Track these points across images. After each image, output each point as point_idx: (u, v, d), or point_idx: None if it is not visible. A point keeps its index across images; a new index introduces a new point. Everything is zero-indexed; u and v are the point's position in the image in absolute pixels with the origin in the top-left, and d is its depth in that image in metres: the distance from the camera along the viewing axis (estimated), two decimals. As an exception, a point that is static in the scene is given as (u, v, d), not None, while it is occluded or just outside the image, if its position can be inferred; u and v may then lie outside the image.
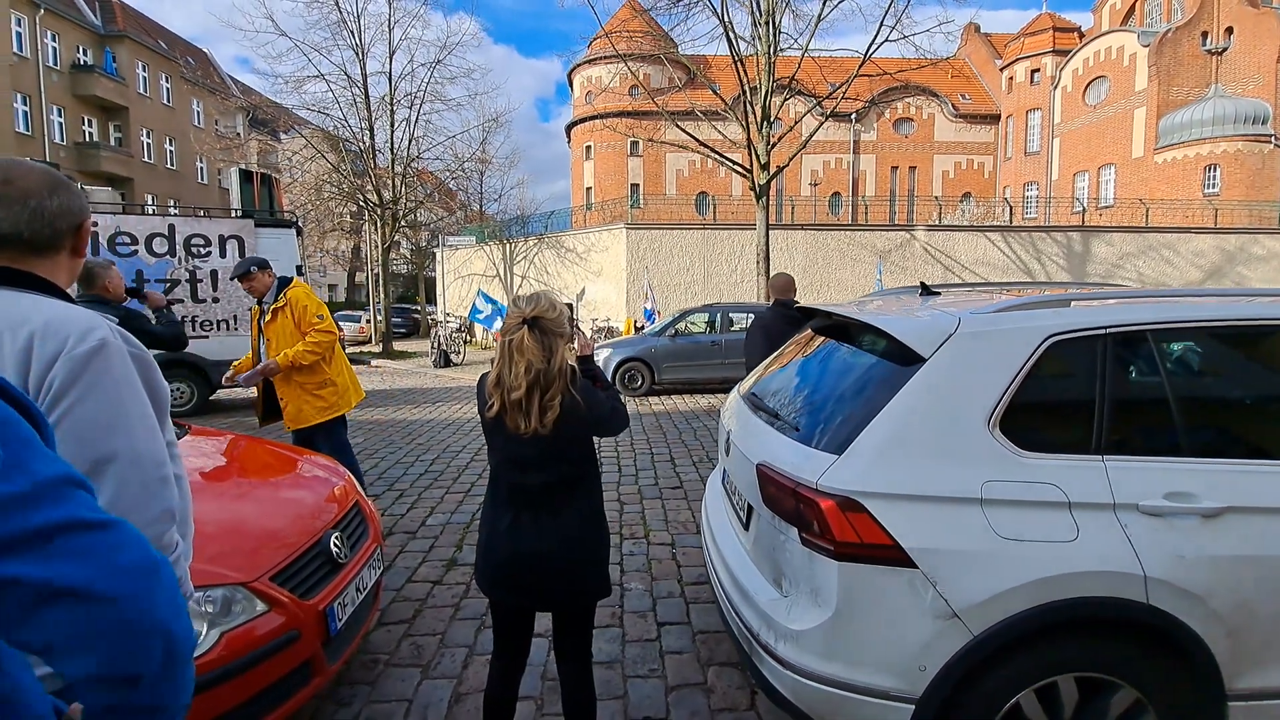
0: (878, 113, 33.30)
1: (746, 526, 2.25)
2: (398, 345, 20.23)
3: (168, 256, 8.58)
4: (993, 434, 1.76)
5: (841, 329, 2.39)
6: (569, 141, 37.11)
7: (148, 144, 28.55)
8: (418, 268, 29.70)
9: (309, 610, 2.10)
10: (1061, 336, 1.83)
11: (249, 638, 1.92)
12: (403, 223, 20.63)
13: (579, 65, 33.16)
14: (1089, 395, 1.82)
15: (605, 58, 28.08)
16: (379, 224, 19.44)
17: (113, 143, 27.07)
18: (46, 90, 24.05)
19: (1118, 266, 17.75)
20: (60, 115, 24.93)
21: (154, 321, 3.76)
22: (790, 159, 13.71)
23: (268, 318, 3.90)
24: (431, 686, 2.57)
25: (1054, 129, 31.21)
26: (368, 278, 26.96)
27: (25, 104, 23.23)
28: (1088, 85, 29.50)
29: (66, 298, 1.16)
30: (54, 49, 24.55)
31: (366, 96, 18.39)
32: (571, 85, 35.75)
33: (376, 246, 20.71)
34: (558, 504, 1.89)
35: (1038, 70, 31.96)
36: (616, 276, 17.52)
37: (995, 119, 34.34)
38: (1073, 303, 2.03)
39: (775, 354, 2.97)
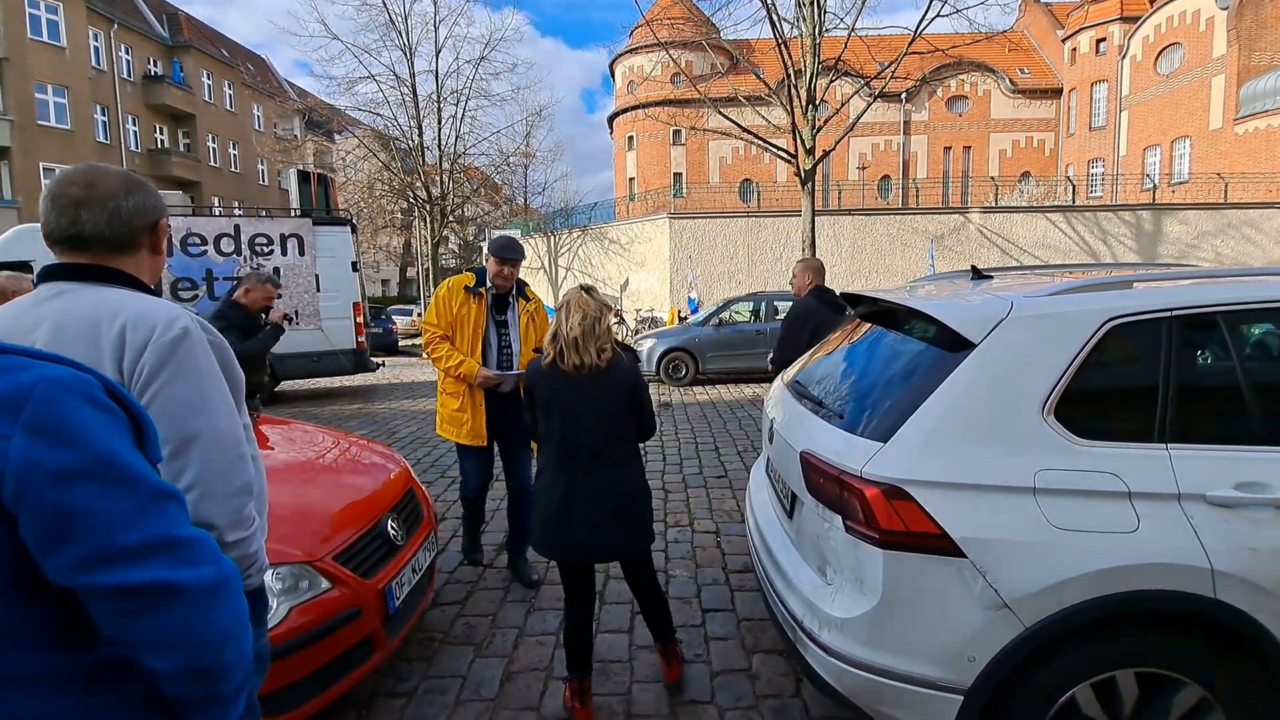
0: (929, 91, 32.11)
1: (790, 514, 2.24)
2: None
3: (234, 255, 9.02)
4: (1047, 421, 1.71)
5: (888, 315, 2.35)
6: (611, 133, 37.13)
7: (213, 149, 29.91)
8: (465, 262, 30.33)
9: (369, 589, 2.21)
10: (1122, 320, 1.75)
11: (315, 612, 2.03)
12: (450, 218, 21.10)
13: (621, 55, 33.08)
14: (1151, 381, 1.75)
15: (646, 46, 27.98)
16: (428, 220, 19.94)
17: (181, 148, 28.46)
18: (122, 101, 25.44)
19: (1193, 246, 16.72)
20: (134, 124, 26.35)
21: (259, 325, 4.15)
22: (837, 142, 13.39)
23: (521, 321, 3.29)
24: (484, 664, 2.67)
25: (1122, 101, 29.47)
26: (418, 272, 27.70)
27: (104, 114, 24.62)
28: (1159, 53, 27.70)
29: (150, 292, 1.24)
30: (127, 61, 25.92)
31: (414, 95, 18.84)
32: (614, 76, 35.73)
33: (426, 242, 21.25)
34: (609, 463, 2.23)
35: (1104, 39, 30.18)
36: (660, 266, 17.51)
37: (1057, 93, 32.64)
38: (1135, 284, 1.95)
39: (813, 344, 2.94)
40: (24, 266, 6.71)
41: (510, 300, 3.28)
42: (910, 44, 12.58)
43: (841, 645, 1.79)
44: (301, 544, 2.13)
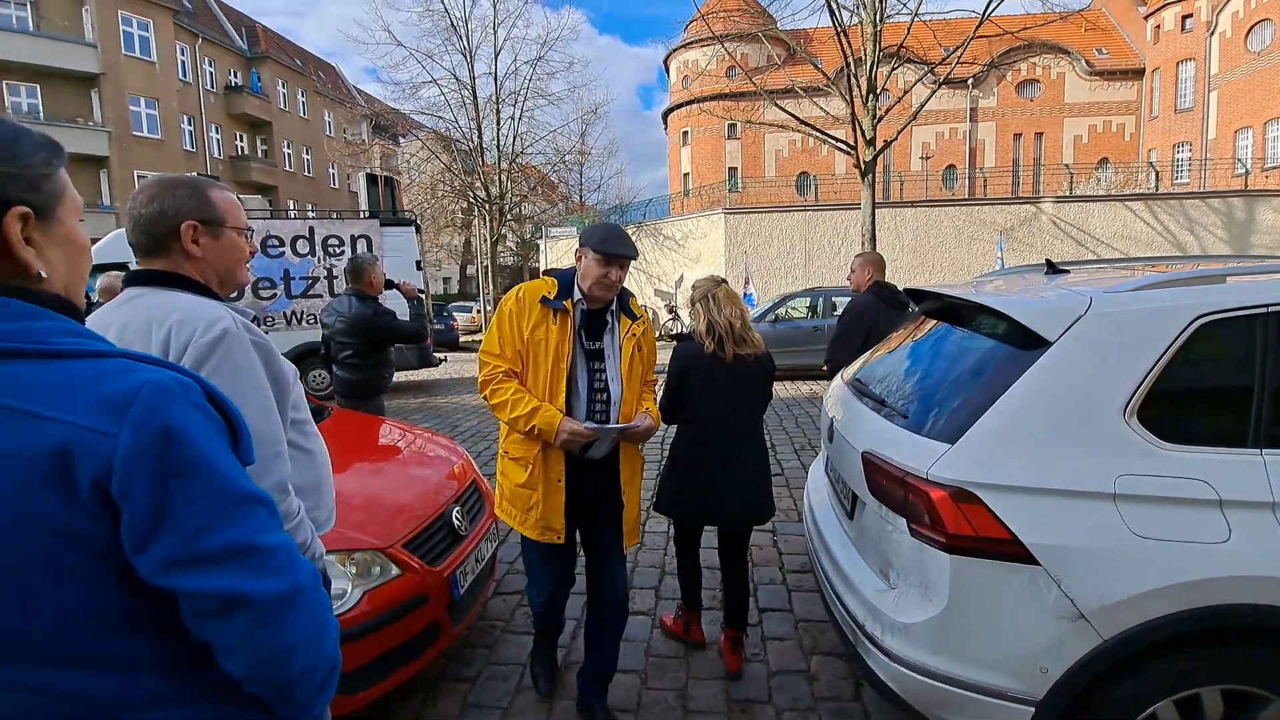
0: (998, 76, 30.66)
1: (851, 515, 2.21)
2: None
3: (309, 256, 9.47)
4: (1129, 424, 1.62)
5: (955, 311, 2.27)
6: (665, 129, 37.06)
7: (288, 154, 31.50)
8: (523, 259, 30.91)
9: (436, 576, 2.30)
10: (1213, 317, 1.65)
11: (385, 598, 2.13)
12: (509, 216, 21.54)
13: (675, 50, 32.93)
14: (1245, 382, 1.64)
15: (701, 40, 27.71)
16: (487, 219, 20.42)
17: (260, 155, 30.09)
18: (206, 111, 27.09)
19: (1294, 235, 15.42)
20: (217, 132, 28.01)
21: (408, 311, 4.03)
22: (899, 132, 12.97)
23: (625, 350, 2.19)
24: (543, 655, 2.73)
25: (1210, 81, 27.39)
26: (477, 270, 28.40)
27: (190, 124, 26.26)
28: (1250, 29, 25.59)
29: (211, 293, 1.31)
30: (210, 73, 27.57)
31: (474, 97, 19.32)
32: (668, 71, 35.62)
33: (485, 240, 21.78)
34: (753, 440, 2.56)
35: (1190, 15, 28.11)
36: (714, 262, 17.38)
37: (1138, 74, 30.61)
38: (1227, 278, 1.82)
39: (865, 341, 2.87)
40: (122, 268, 7.25)
41: (609, 319, 2.20)
42: (978, 27, 12.05)
43: (905, 650, 1.75)
44: (373, 531, 2.24)
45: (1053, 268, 2.48)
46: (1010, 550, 1.62)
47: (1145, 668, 1.59)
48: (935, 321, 2.39)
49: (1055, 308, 1.79)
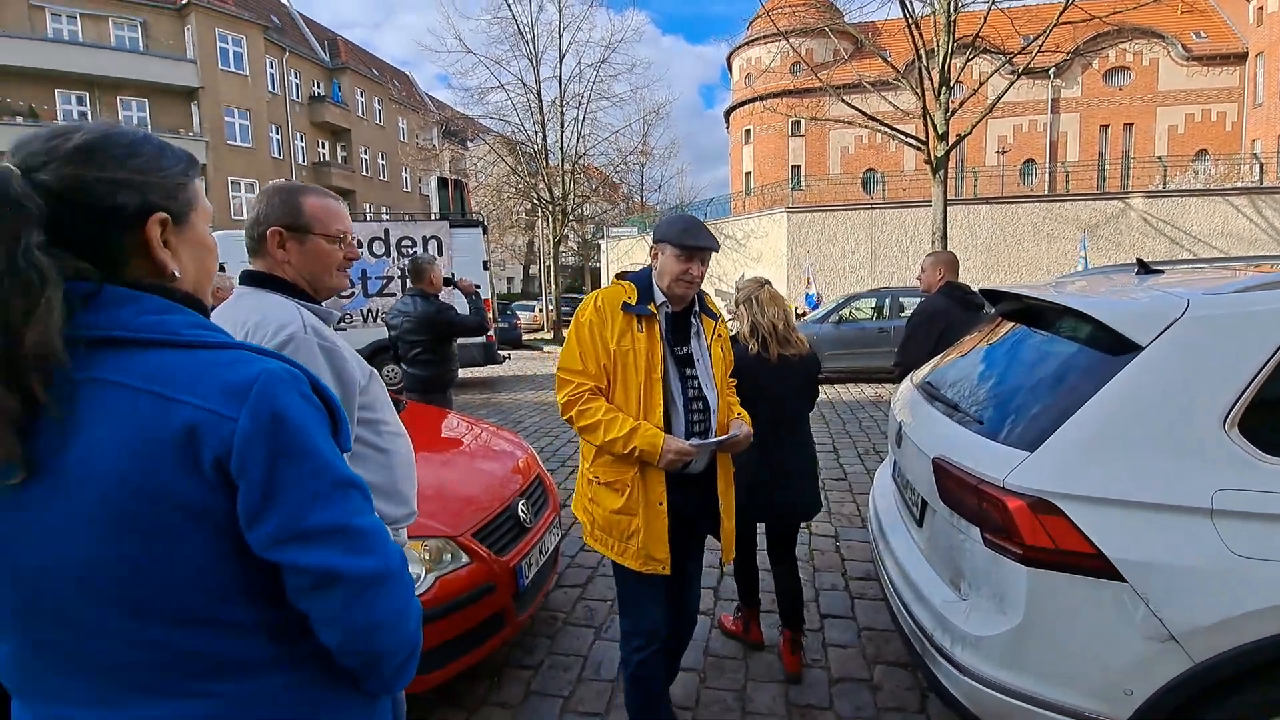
0: (1083, 64, 28.90)
1: (920, 523, 2.15)
2: (567, 333, 21.55)
3: (385, 257, 9.93)
4: (1229, 435, 1.52)
5: (1035, 313, 2.18)
6: (728, 128, 36.77)
7: (365, 159, 33.04)
8: (584, 259, 31.32)
9: (502, 566, 2.39)
10: (1330, 321, 1.52)
11: (455, 584, 2.23)
12: (571, 217, 21.86)
13: (738, 48, 32.64)
14: (1367, 392, 1.50)
15: (765, 37, 27.40)
16: (550, 219, 20.80)
17: (339, 161, 31.70)
18: (292, 120, 28.74)
19: None
20: (302, 140, 29.67)
21: (468, 307, 4.24)
22: (973, 126, 12.38)
23: (714, 351, 2.05)
24: (604, 647, 2.78)
25: (1332, 62, 24.96)
26: (540, 270, 28.97)
27: (277, 133, 27.93)
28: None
29: (298, 293, 1.42)
30: (295, 84, 29.23)
31: (539, 101, 19.71)
32: (731, 70, 35.34)
33: (548, 240, 22.19)
34: (801, 437, 2.63)
35: (1307, -9, 25.68)
36: (776, 262, 17.14)
37: (1240, 59, 28.18)
38: (1348, 280, 1.68)
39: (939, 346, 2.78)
40: (220, 269, 7.81)
41: (693, 320, 2.04)
42: (1062, 13, 11.38)
43: (976, 664, 1.70)
44: (445, 520, 2.34)
45: (1144, 267, 2.34)
46: (1093, 565, 1.54)
47: (1240, 693, 1.48)
48: (1012, 324, 2.30)
49: (1147, 310, 1.69)
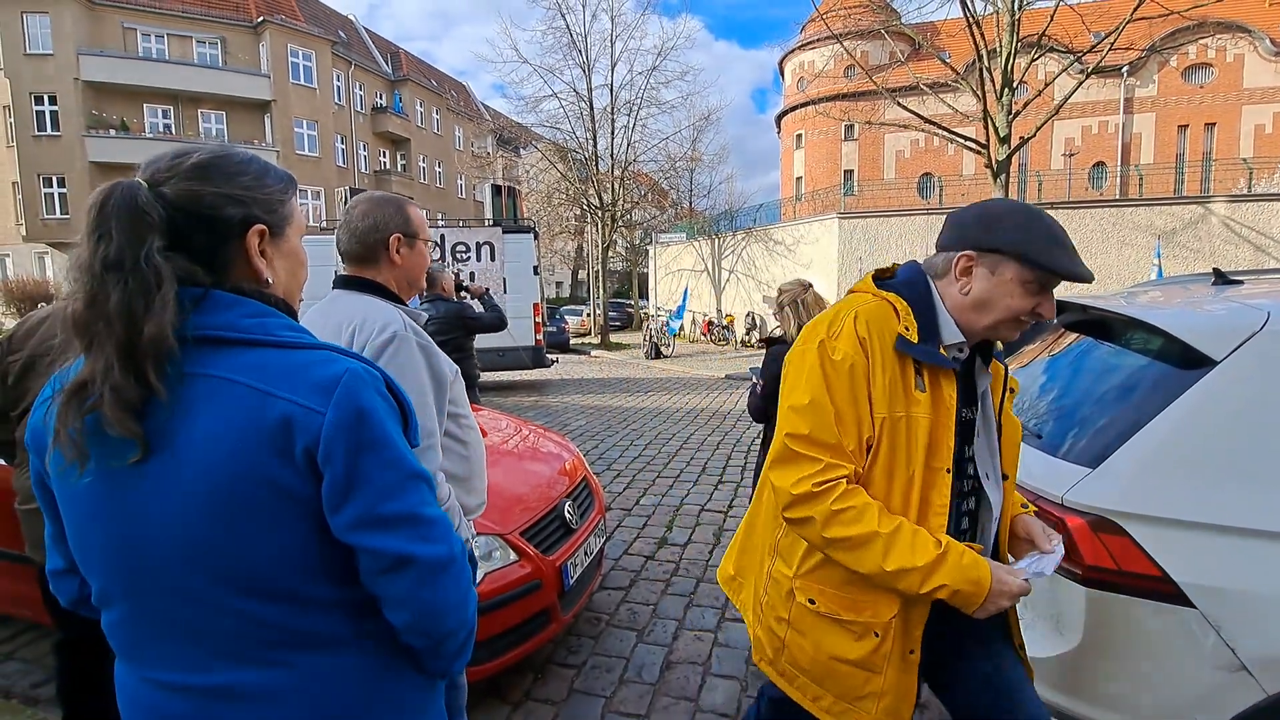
0: (1160, 61, 27.37)
1: (973, 537, 2.09)
2: (613, 337, 21.70)
3: (440, 261, 10.24)
4: (1313, 456, 1.43)
5: (1101, 325, 2.09)
6: (779, 132, 36.41)
7: (423, 168, 34.17)
8: (632, 264, 31.53)
9: (549, 565, 2.44)
10: None
11: (504, 580, 2.28)
12: (620, 223, 22.07)
13: (791, 52, 32.29)
14: None
15: (819, 40, 26.98)
16: (599, 225, 21.04)
17: (399, 169, 32.88)
18: (355, 130, 30.01)
19: None
20: (364, 149, 30.93)
21: (480, 308, 4.60)
22: (1038, 128, 11.92)
23: (1006, 405, 1.39)
24: (645, 650, 2.80)
25: None
26: (588, 275, 29.29)
27: (342, 143, 29.20)
28: None
29: (393, 296, 1.54)
30: (360, 96, 30.50)
31: (591, 109, 19.99)
32: (783, 74, 34.99)
33: (596, 246, 22.45)
34: None
35: None
36: (827, 269, 16.85)
37: (1345, 50, 26.22)
38: None
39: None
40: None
41: (977, 366, 1.36)
42: (1136, 8, 10.84)
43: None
44: (494, 517, 2.40)
45: (1221, 277, 2.21)
46: (1159, 589, 1.48)
47: (1327, 734, 1.39)
48: (1076, 335, 2.21)
49: (1223, 323, 1.62)
